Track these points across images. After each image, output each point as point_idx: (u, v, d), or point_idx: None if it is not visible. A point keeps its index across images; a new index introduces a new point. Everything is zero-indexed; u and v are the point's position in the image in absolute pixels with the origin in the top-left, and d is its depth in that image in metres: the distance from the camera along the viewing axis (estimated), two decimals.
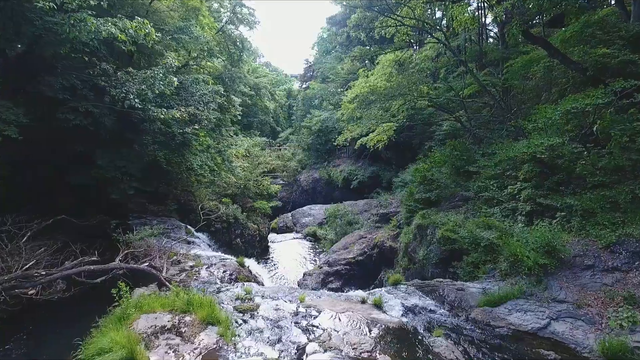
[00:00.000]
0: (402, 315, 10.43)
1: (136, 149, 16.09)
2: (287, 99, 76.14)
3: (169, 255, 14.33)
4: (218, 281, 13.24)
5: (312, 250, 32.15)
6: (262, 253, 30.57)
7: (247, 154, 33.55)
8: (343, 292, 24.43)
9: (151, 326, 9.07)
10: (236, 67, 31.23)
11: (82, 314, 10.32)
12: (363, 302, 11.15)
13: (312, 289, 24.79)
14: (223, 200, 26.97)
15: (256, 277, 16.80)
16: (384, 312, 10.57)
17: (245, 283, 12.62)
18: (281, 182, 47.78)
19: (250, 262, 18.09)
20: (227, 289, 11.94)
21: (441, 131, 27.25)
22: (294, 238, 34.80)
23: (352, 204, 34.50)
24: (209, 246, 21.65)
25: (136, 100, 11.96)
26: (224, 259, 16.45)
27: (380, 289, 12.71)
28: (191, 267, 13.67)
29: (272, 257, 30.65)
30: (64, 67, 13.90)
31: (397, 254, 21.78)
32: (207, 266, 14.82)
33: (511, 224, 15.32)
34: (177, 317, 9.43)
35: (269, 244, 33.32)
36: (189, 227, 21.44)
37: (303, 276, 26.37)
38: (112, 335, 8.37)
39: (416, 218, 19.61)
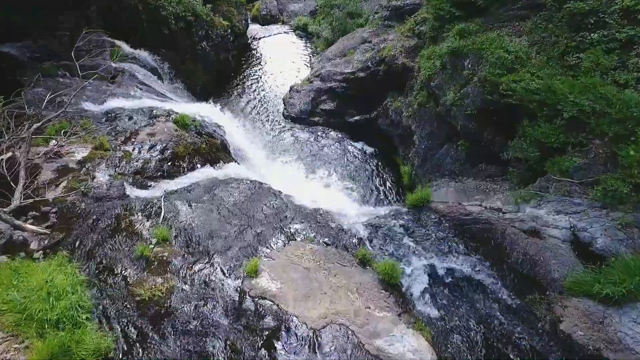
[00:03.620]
0: (432, 302, 5.61)
1: None
2: None
3: (49, 134, 8.38)
4: (129, 187, 7.84)
5: (302, 50, 25.09)
6: (239, 55, 23.67)
7: None
8: (337, 119, 19.21)
9: None
10: None
11: None
12: (363, 262, 6.13)
13: (300, 112, 19.43)
14: None
15: (210, 137, 11.26)
16: (401, 293, 5.71)
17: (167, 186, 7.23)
18: None
19: (201, 108, 12.21)
20: (132, 225, 6.67)
21: None
22: (281, 32, 26.93)
23: None
24: (156, 74, 14.98)
25: None
26: (155, 116, 10.49)
27: (393, 213, 7.44)
28: (80, 163, 7.94)
29: (252, 61, 23.91)
30: None
31: (413, 78, 15.40)
32: (121, 142, 9.11)
33: (615, 72, 8.71)
34: None
35: (249, 41, 25.86)
36: (118, 43, 14.30)
37: (290, 91, 20.60)
38: None
39: (449, 38, 12.45)
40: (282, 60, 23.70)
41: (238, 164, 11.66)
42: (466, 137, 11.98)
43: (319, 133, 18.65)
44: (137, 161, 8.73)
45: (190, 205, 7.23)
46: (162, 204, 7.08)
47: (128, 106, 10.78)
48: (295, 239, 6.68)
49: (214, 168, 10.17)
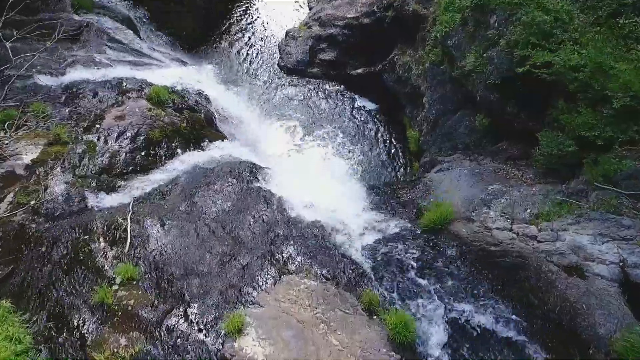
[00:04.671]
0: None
1: None
2: None
3: None
4: (92, 195, 6.52)
5: None
6: None
7: None
8: (337, 71, 17.08)
9: None
10: None
11: None
12: (369, 310, 5.05)
13: (297, 62, 17.29)
14: None
15: (193, 111, 9.68)
16: (415, 353, 4.71)
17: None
18: None
19: (181, 73, 10.47)
20: (92, 255, 5.44)
21: None
22: None
23: None
24: (131, 26, 12.76)
25: None
26: (125, 92, 8.84)
27: (404, 235, 6.16)
28: (29, 168, 6.49)
29: (243, 1, 21.11)
30: None
31: (426, 30, 13.27)
32: (83, 130, 7.61)
33: None
34: None
35: None
36: None
37: (285, 38, 18.33)
38: None
39: None
40: None
41: (226, 139, 10.20)
42: (485, 108, 10.38)
43: (317, 87, 16.83)
44: (102, 155, 7.32)
45: (163, 225, 5.98)
46: (129, 225, 5.82)
47: (93, 78, 9.06)
48: (289, 271, 5.54)
49: (197, 150, 8.79)
